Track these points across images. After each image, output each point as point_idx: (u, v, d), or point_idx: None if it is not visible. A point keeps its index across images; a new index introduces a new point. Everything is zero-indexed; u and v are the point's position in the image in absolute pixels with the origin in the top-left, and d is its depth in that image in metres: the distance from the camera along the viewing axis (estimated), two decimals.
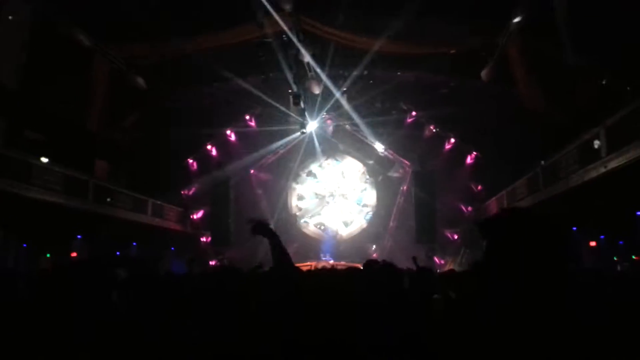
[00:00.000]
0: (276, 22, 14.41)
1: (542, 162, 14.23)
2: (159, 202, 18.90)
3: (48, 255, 14.14)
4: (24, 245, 13.31)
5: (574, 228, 14.39)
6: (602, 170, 10.53)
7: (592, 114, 11.39)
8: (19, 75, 11.30)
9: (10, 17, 10.76)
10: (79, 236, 15.02)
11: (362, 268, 3.77)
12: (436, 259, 20.11)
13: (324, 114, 20.69)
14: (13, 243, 12.65)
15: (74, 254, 15.14)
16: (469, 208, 20.99)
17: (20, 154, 11.57)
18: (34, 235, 12.94)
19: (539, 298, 1.34)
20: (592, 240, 15.54)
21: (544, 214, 1.47)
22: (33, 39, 11.36)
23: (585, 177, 11.44)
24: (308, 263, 17.88)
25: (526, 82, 14.13)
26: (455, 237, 20.79)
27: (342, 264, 16.54)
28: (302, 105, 18.27)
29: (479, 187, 20.80)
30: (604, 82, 11.92)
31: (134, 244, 18.12)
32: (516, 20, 12.70)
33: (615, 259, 15.04)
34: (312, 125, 20.38)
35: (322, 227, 22.40)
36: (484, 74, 15.31)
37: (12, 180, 11.08)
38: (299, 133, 20.39)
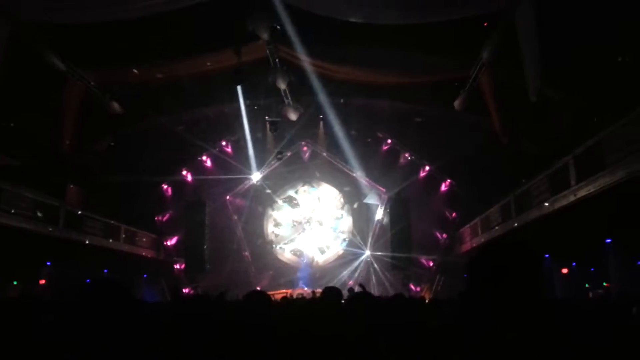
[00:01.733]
0: (253, 50, 14.57)
1: (517, 191, 14.49)
2: (132, 228, 18.56)
3: (15, 282, 13.69)
4: None
5: (546, 255, 14.64)
6: (572, 198, 10.77)
7: (564, 143, 11.70)
8: None
9: None
10: (48, 263, 14.61)
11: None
12: (412, 286, 20.15)
13: (301, 141, 20.83)
14: None
15: (42, 281, 14.70)
16: (444, 235, 21.19)
17: None
18: (2, 261, 12.53)
19: (520, 322, 1.44)
20: (564, 267, 15.82)
21: (519, 243, 1.60)
22: (7, 60, 11.18)
23: (555, 205, 11.68)
24: (283, 291, 17.72)
25: (497, 113, 14.50)
26: (431, 264, 20.90)
27: (318, 291, 16.39)
28: (278, 131, 18.37)
29: (454, 214, 21.05)
30: (573, 113, 12.29)
31: (105, 270, 17.68)
32: (486, 53, 13.09)
33: (587, 286, 15.30)
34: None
35: (298, 254, 22.27)
36: (456, 103, 15.66)
37: None
38: (275, 159, 20.44)
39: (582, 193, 10.35)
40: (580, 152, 10.61)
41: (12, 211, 11.78)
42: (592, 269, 15.57)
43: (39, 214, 12.75)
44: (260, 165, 21.05)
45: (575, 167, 10.76)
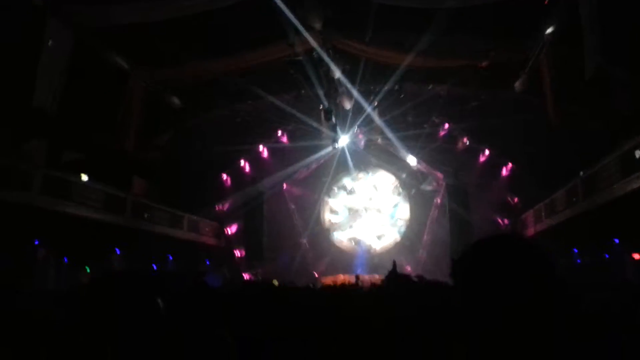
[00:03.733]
0: (306, 40, 14.61)
1: (581, 173, 13.86)
2: (194, 217, 19.26)
3: (87, 269, 14.56)
4: (65, 259, 13.75)
5: (616, 240, 13.91)
6: None
7: (631, 121, 11.08)
8: (58, 98, 11.75)
9: (50, 43, 11.23)
10: (117, 251, 15.44)
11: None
12: None
13: (355, 129, 20.73)
14: (54, 258, 13.07)
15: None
16: (506, 221, 20.56)
17: (61, 173, 12.05)
18: (75, 250, 13.37)
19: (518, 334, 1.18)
20: (636, 252, 14.98)
21: (523, 240, 1.31)
22: (72, 63, 11.82)
23: (627, 187, 11.08)
24: (341, 276, 17.93)
25: (553, 92, 13.87)
26: None
27: (377, 277, 16.43)
28: (333, 120, 18.37)
29: (515, 200, 20.37)
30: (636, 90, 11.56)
31: (170, 257, 18.47)
32: (548, 31, 12.51)
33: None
34: (344, 140, 20.42)
35: (355, 241, 22.32)
36: (517, 85, 15.10)
37: (53, 198, 11.53)
38: (330, 148, 20.48)
39: None
40: None
41: (83, 202, 12.55)
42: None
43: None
44: (316, 154, 21.17)
45: None
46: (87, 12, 11.66)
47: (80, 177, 12.75)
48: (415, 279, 3.94)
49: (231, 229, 21.93)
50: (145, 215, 15.82)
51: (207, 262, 20.38)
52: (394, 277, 3.61)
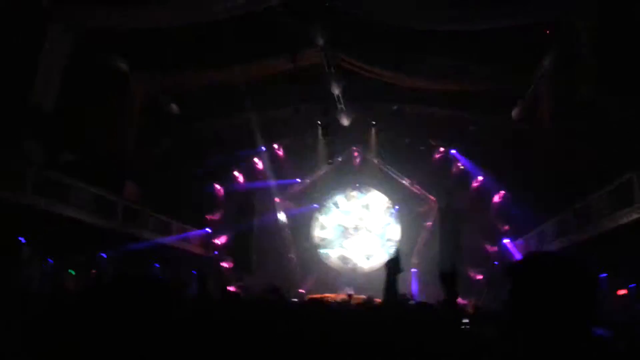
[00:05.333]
0: (308, 56, 14.71)
1: (576, 205, 13.92)
2: (183, 225, 19.09)
3: (72, 272, 14.35)
4: (50, 261, 13.55)
5: (603, 275, 13.94)
6: (636, 215, 10.26)
7: (628, 156, 11.20)
8: (55, 98, 11.69)
9: (51, 44, 11.22)
10: (103, 254, 15.24)
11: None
12: (459, 299, 19.65)
13: (351, 147, 20.81)
14: (39, 259, 12.88)
15: (93, 271, 15.35)
16: (494, 248, 20.58)
17: (54, 174, 11.94)
18: (61, 251, 13.18)
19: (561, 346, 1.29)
20: (621, 288, 15.01)
21: (574, 259, 1.41)
22: (72, 64, 11.79)
23: (618, 221, 11.15)
24: (328, 295, 17.76)
25: (555, 123, 14.02)
26: (479, 277, 20.34)
27: (362, 297, 16.33)
28: (330, 136, 18.44)
29: (506, 227, 20.42)
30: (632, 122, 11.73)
31: (157, 265, 18.24)
32: (547, 62, 12.69)
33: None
34: (339, 157, 20.49)
35: (344, 259, 22.24)
36: (514, 113, 15.23)
37: (45, 198, 11.40)
38: (325, 164, 20.52)
39: None
40: None
41: (73, 204, 12.41)
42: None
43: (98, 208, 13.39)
44: (310, 169, 21.19)
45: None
46: (88, 14, 11.68)
47: (73, 179, 12.63)
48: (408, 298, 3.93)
49: (220, 240, 21.75)
50: (136, 221, 15.66)
51: (194, 272, 20.13)
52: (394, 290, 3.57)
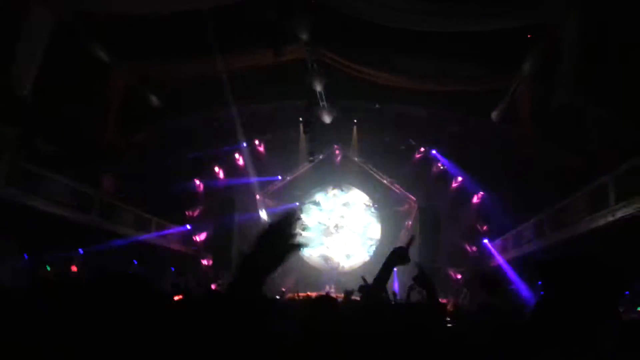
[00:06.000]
0: (291, 50, 14.62)
1: (554, 207, 14.10)
2: (162, 221, 18.85)
3: (48, 268, 14.07)
4: (25, 256, 13.26)
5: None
6: (610, 218, 10.42)
7: (605, 159, 11.37)
8: (32, 84, 11.37)
9: (30, 28, 10.90)
10: (80, 250, 14.97)
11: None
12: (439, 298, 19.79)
13: (332, 144, 20.79)
14: (12, 253, 12.58)
15: (74, 268, 15.07)
16: (473, 248, 20.79)
17: (29, 165, 11.65)
18: (37, 246, 12.91)
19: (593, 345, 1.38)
20: None
21: (607, 260, 1.50)
22: (52, 50, 11.48)
23: (592, 224, 11.32)
24: (309, 294, 17.71)
25: (531, 125, 14.20)
26: (459, 276, 20.52)
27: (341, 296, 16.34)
28: (311, 133, 18.39)
29: (484, 227, 20.63)
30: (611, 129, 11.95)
31: (135, 261, 18.00)
32: (528, 65, 12.81)
33: (620, 310, 14.74)
34: (320, 154, 20.45)
35: (325, 258, 22.22)
36: (494, 115, 15.36)
37: (19, 191, 11.13)
38: (306, 161, 20.46)
39: (621, 214, 10.02)
40: (621, 172, 10.29)
41: (49, 198, 12.14)
42: (627, 292, 15.00)
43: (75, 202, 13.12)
44: (291, 166, 21.10)
45: (615, 187, 10.44)
46: None
47: (48, 170, 12.34)
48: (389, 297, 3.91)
49: (200, 237, 21.54)
50: (113, 216, 15.40)
51: (172, 269, 19.94)
52: (369, 291, 3.52)
